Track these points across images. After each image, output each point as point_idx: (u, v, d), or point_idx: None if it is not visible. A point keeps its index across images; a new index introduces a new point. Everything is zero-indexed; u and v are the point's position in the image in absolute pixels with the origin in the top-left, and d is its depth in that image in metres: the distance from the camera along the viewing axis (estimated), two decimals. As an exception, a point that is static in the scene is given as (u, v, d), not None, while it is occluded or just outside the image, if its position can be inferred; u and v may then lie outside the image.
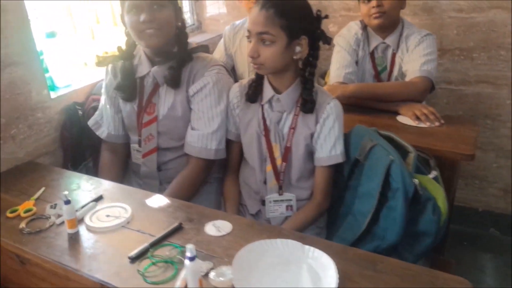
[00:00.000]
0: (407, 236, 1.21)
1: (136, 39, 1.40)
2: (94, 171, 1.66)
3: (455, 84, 2.20)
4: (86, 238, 1.06)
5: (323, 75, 2.13)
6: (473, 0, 2.02)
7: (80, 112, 1.65)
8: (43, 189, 1.30)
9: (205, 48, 1.55)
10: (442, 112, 1.64)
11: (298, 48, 1.26)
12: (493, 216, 2.35)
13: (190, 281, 0.84)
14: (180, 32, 1.46)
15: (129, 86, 1.48)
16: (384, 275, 0.91)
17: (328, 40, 1.30)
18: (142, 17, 1.32)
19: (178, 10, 1.43)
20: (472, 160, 1.39)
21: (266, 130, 1.38)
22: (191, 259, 0.83)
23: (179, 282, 0.89)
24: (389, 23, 1.76)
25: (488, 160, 2.25)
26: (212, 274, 0.90)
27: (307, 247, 0.96)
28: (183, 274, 0.91)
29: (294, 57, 1.27)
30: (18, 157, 1.50)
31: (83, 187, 1.31)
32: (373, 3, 1.71)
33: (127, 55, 1.49)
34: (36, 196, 1.26)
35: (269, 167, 1.39)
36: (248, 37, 1.27)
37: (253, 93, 1.38)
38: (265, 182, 1.41)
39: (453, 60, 2.15)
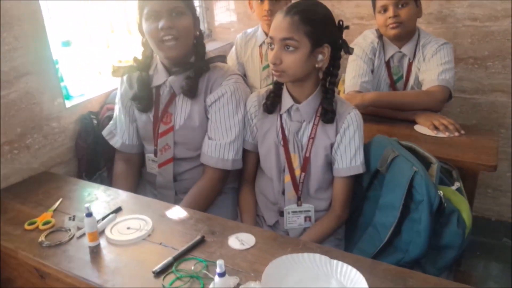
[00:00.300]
0: (430, 249, 1.19)
1: (155, 49, 1.38)
2: (108, 180, 1.64)
3: (469, 93, 2.18)
4: (108, 252, 1.05)
5: (336, 83, 2.11)
6: (488, 9, 2.01)
7: (95, 122, 1.64)
8: (60, 200, 1.28)
9: (222, 58, 1.54)
10: (456, 121, 1.63)
11: (320, 57, 1.25)
12: (506, 225, 2.32)
13: (220, 297, 0.83)
14: (198, 42, 1.45)
15: (146, 97, 1.46)
16: (415, 291, 0.89)
17: (350, 50, 1.30)
18: (161, 24, 1.31)
19: (197, 20, 1.42)
20: (495, 171, 1.37)
21: (285, 140, 1.36)
22: (221, 275, 0.81)
23: (206, 298, 0.87)
24: (406, 33, 1.75)
25: (502, 169, 2.23)
26: (240, 290, 0.88)
27: (335, 261, 0.94)
28: (210, 289, 0.89)
29: (316, 65, 1.26)
30: (33, 167, 1.49)
31: (100, 198, 1.29)
32: (390, 13, 1.70)
33: (144, 66, 1.47)
34: (53, 207, 1.24)
35: (287, 178, 1.37)
36: (271, 44, 1.26)
37: (272, 104, 1.37)
38: (283, 193, 1.39)
39: (467, 68, 2.14)
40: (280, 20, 1.23)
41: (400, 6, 1.69)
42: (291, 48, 1.22)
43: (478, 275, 2.02)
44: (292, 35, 1.21)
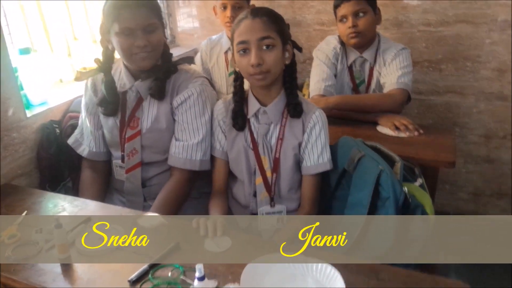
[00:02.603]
0: (397, 243, 1.24)
1: (125, 60, 1.37)
2: (73, 191, 1.59)
3: (424, 94, 2.29)
4: (80, 263, 1.02)
5: (300, 87, 2.16)
6: (440, 15, 2.12)
7: (57, 131, 1.59)
8: (25, 213, 1.23)
9: (190, 59, 1.55)
10: (413, 121, 1.70)
11: (287, 54, 1.31)
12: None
13: (200, 301, 0.83)
14: (164, 46, 1.44)
15: (112, 101, 1.44)
16: (388, 283, 0.93)
17: (300, 48, 1.38)
18: (137, 42, 1.30)
19: (164, 27, 1.42)
20: (453, 168, 1.45)
21: (254, 143, 1.38)
22: (201, 278, 0.81)
23: (186, 303, 0.87)
24: (366, 41, 1.82)
25: (457, 165, 2.33)
26: (219, 293, 0.89)
27: (310, 259, 0.97)
28: (188, 294, 0.88)
29: (285, 62, 1.31)
30: (-7, 180, 1.42)
31: (68, 209, 1.25)
32: (349, 23, 1.76)
33: (107, 67, 1.43)
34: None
35: (259, 180, 1.39)
36: (245, 49, 1.26)
37: (242, 121, 1.37)
38: (254, 195, 1.41)
39: (423, 71, 2.25)
40: (249, 23, 1.26)
41: (359, 15, 1.76)
42: (270, 47, 1.25)
43: (440, 266, 2.11)
44: (268, 34, 1.25)
